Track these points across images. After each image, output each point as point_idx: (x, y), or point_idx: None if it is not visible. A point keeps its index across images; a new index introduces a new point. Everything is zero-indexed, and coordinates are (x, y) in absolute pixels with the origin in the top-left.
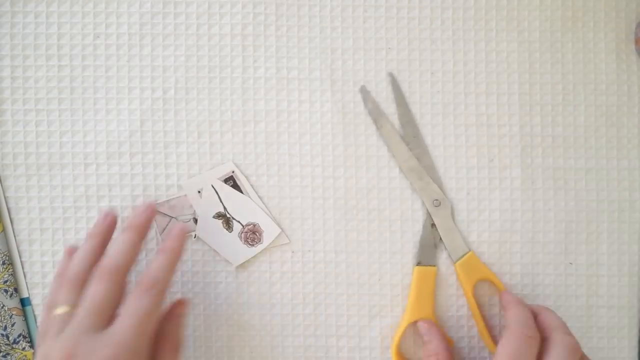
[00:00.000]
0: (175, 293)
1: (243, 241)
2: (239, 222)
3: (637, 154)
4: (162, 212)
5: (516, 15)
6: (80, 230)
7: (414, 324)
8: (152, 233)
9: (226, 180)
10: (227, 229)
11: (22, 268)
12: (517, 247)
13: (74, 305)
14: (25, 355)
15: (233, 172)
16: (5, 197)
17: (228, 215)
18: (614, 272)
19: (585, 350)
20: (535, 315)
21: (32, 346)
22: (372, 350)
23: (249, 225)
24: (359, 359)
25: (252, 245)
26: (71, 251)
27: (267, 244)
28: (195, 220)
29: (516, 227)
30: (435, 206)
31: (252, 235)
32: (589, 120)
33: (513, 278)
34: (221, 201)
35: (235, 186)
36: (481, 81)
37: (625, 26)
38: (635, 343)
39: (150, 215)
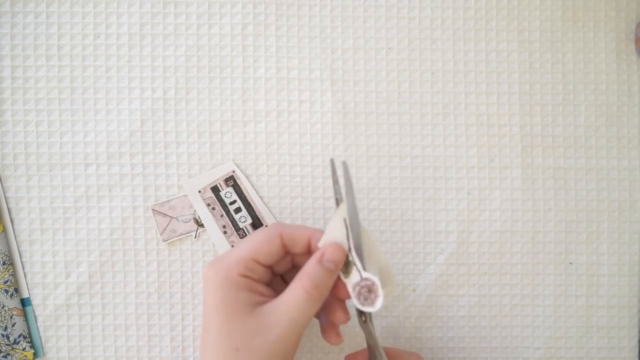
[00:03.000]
0: (175, 293)
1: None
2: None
3: (637, 154)
4: (162, 212)
5: (516, 15)
6: (81, 231)
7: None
8: (152, 233)
9: (226, 180)
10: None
11: (23, 268)
12: (517, 247)
13: None
14: (26, 356)
15: (233, 171)
16: (5, 197)
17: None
18: (614, 272)
19: (585, 350)
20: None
21: (32, 346)
22: None
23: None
24: None
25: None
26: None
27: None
28: (196, 221)
29: (516, 227)
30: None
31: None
32: (589, 120)
33: (513, 278)
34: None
35: (236, 186)
36: (481, 81)
37: (625, 26)
38: (635, 343)
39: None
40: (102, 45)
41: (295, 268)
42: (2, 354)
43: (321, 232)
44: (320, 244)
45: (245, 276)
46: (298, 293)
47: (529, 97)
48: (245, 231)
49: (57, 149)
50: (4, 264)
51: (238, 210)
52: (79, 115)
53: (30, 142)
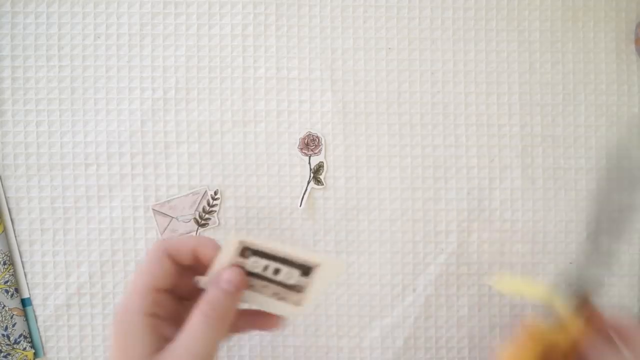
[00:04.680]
0: None
1: None
2: None
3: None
4: (162, 212)
5: (516, 15)
6: (81, 231)
7: None
8: (152, 233)
9: (242, 252)
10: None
11: (23, 268)
12: (517, 247)
13: None
14: (26, 356)
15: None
16: (6, 198)
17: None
18: (614, 272)
19: None
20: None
21: (32, 346)
22: (373, 351)
23: None
24: (359, 359)
25: None
26: None
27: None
28: (197, 221)
29: (516, 227)
30: None
31: None
32: (589, 120)
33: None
34: None
35: (257, 251)
36: (481, 81)
37: (625, 26)
38: None
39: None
40: (102, 46)
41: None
42: (2, 354)
43: (207, 239)
44: (208, 274)
45: (150, 314)
46: (197, 320)
47: (529, 97)
48: (301, 285)
49: (58, 149)
50: (4, 264)
51: (277, 271)
52: (79, 115)
53: (30, 142)
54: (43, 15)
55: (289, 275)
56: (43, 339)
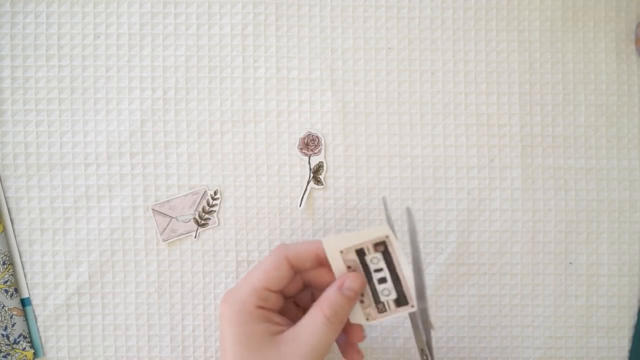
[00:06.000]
0: (175, 293)
1: None
2: None
3: (637, 154)
4: (162, 212)
5: (516, 15)
6: (81, 231)
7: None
8: (152, 233)
9: (376, 245)
10: None
11: (23, 268)
12: (517, 247)
13: None
14: (26, 356)
15: (387, 236)
16: (5, 197)
17: None
18: (614, 272)
19: (585, 350)
20: None
21: (32, 346)
22: (373, 351)
23: None
24: None
25: None
26: None
27: None
28: (196, 221)
29: (516, 227)
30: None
31: None
32: (589, 120)
33: (513, 278)
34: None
35: (386, 253)
36: (481, 81)
37: (625, 26)
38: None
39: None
40: (102, 45)
41: (306, 288)
42: (2, 354)
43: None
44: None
45: (260, 307)
46: (318, 320)
47: (529, 97)
48: (386, 305)
49: (57, 149)
50: (4, 264)
51: (382, 280)
52: (79, 115)
53: (30, 142)
54: (43, 15)
55: (388, 291)
56: (42, 339)
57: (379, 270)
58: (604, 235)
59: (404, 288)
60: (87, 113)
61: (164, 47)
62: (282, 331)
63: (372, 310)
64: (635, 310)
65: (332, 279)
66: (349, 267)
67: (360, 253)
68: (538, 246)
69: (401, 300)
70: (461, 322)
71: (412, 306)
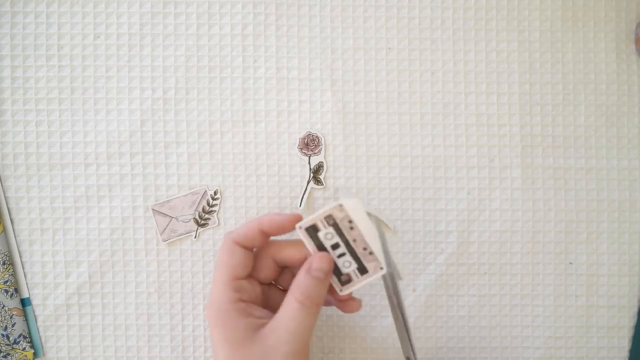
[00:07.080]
0: (175, 293)
1: None
2: None
3: (637, 154)
4: (162, 212)
5: (516, 15)
6: (81, 231)
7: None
8: (152, 233)
9: (326, 218)
10: None
11: (23, 268)
12: (517, 247)
13: None
14: (26, 356)
15: (341, 205)
16: (5, 197)
17: None
18: (614, 272)
19: (585, 350)
20: None
21: (32, 346)
22: (373, 351)
23: None
24: (360, 359)
25: None
26: None
27: None
28: (196, 221)
29: (516, 227)
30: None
31: None
32: (589, 120)
33: (513, 278)
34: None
35: (336, 226)
36: (481, 81)
37: (625, 26)
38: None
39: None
40: (102, 45)
41: (285, 269)
42: (2, 354)
43: (268, 215)
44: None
45: (238, 300)
46: (292, 306)
47: (529, 97)
48: (352, 275)
49: (57, 149)
50: (4, 264)
51: (341, 254)
52: (79, 115)
53: (30, 142)
54: (43, 15)
55: (349, 263)
56: (42, 339)
57: (335, 246)
58: (604, 235)
59: (364, 255)
60: (87, 113)
61: (164, 47)
62: (264, 324)
63: (336, 283)
64: (635, 310)
65: (303, 255)
66: (318, 247)
67: (314, 229)
68: (538, 246)
69: (362, 269)
70: (461, 322)
71: (381, 268)
